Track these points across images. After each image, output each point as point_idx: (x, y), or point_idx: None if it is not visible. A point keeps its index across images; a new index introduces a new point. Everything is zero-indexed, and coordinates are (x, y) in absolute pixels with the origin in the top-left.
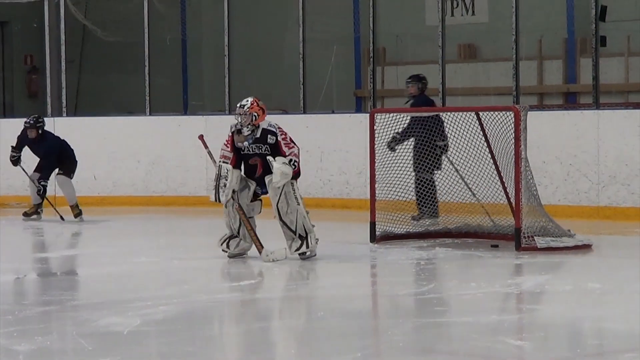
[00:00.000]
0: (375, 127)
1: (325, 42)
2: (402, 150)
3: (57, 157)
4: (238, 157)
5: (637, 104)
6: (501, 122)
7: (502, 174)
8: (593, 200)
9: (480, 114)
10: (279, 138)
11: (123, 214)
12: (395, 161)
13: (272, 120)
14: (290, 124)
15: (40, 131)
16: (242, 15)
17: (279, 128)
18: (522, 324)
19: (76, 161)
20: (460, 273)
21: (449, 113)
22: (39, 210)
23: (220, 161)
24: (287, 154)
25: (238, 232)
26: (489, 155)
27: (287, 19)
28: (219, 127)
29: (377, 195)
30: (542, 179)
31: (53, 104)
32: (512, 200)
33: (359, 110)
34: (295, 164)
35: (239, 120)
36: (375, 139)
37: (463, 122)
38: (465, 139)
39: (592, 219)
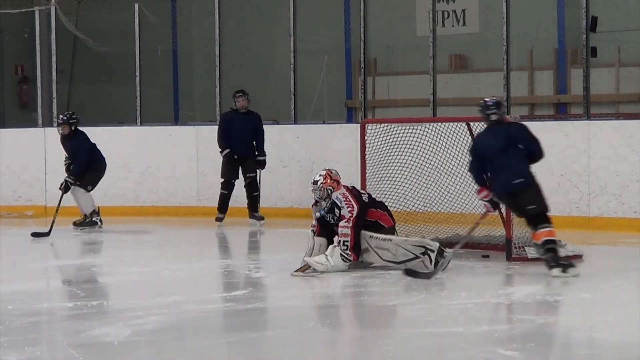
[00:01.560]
0: (366, 138)
1: (316, 53)
2: (394, 161)
3: (88, 156)
4: (323, 225)
5: (627, 114)
6: None
7: None
8: (584, 211)
9: (472, 124)
10: (342, 212)
11: (114, 224)
12: (387, 172)
13: (341, 189)
14: (281, 135)
15: (73, 128)
16: (233, 25)
17: (344, 199)
18: (512, 334)
19: (100, 174)
20: (451, 283)
21: (440, 123)
22: (88, 219)
23: (310, 230)
24: (338, 233)
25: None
26: None
27: (278, 29)
28: (209, 138)
29: None
30: None
31: (44, 114)
32: (503, 210)
33: (350, 121)
34: (346, 244)
35: (315, 196)
36: (367, 149)
37: (454, 132)
38: (456, 150)
39: (583, 229)
